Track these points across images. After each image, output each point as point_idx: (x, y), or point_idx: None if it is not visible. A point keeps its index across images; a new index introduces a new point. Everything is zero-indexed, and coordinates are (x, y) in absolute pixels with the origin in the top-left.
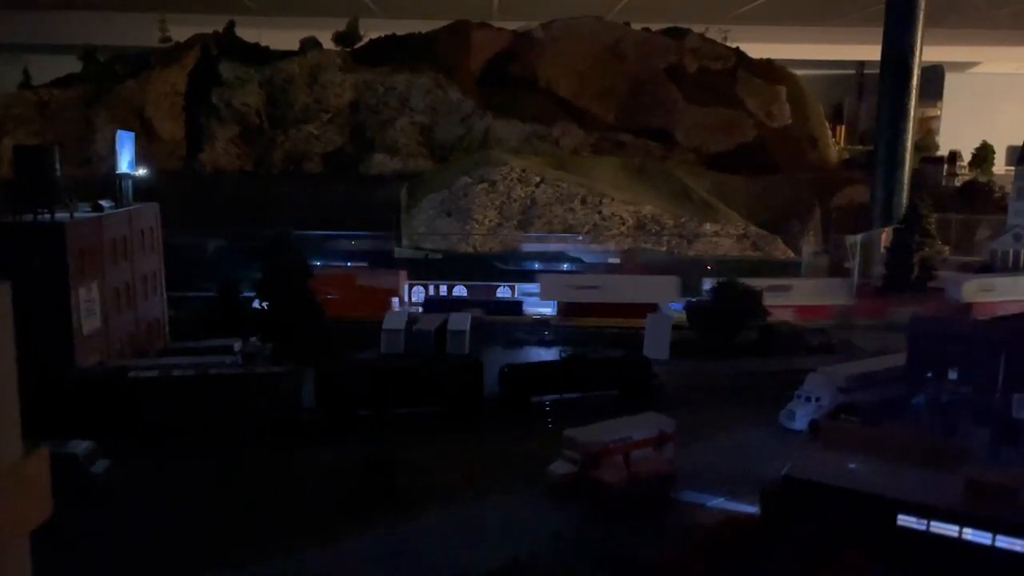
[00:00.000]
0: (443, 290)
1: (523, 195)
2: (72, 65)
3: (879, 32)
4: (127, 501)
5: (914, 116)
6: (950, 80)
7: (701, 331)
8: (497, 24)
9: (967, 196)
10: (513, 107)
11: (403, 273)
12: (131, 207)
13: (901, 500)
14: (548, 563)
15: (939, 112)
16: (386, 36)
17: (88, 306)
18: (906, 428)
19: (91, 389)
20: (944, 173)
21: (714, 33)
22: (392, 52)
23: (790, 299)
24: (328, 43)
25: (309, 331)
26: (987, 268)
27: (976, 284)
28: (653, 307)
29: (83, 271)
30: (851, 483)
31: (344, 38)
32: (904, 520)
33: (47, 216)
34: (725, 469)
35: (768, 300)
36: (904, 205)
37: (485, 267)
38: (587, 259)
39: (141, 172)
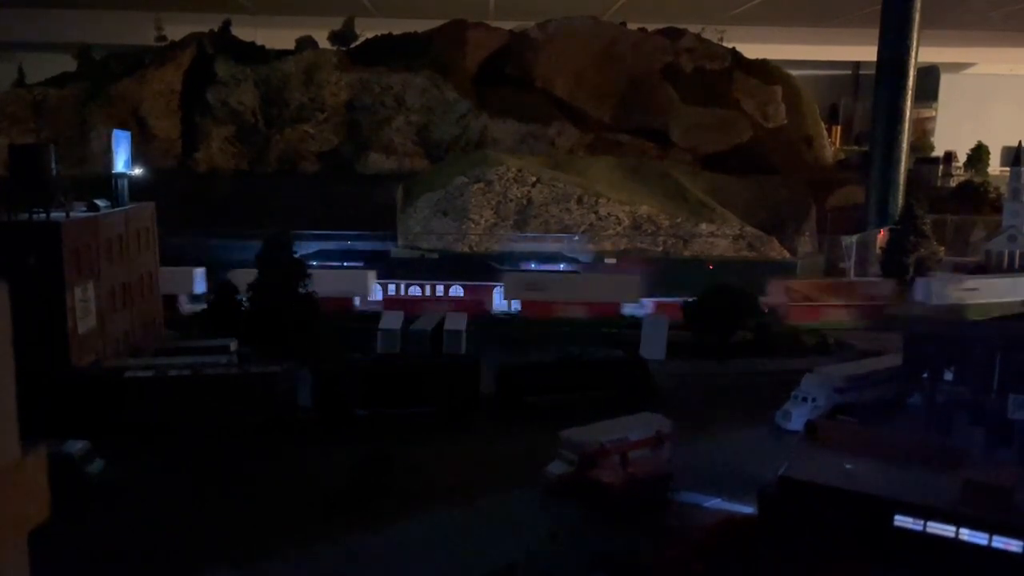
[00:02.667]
0: None
1: (519, 195)
2: (67, 64)
3: (875, 33)
4: (122, 501)
5: (910, 117)
6: (946, 81)
7: (697, 331)
8: (493, 24)
9: (962, 197)
10: (509, 107)
11: None
12: (127, 206)
13: (898, 500)
14: (545, 563)
15: (934, 113)
16: (382, 35)
17: (84, 306)
18: (902, 429)
19: (87, 389)
20: (939, 174)
21: (710, 33)
22: (388, 51)
23: None
24: (324, 42)
25: (305, 331)
26: (982, 269)
27: None
28: None
29: (79, 271)
30: (848, 483)
31: (340, 37)
32: (901, 520)
33: (43, 215)
34: (722, 469)
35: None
36: (899, 206)
37: (481, 266)
38: (583, 259)
39: (137, 171)
